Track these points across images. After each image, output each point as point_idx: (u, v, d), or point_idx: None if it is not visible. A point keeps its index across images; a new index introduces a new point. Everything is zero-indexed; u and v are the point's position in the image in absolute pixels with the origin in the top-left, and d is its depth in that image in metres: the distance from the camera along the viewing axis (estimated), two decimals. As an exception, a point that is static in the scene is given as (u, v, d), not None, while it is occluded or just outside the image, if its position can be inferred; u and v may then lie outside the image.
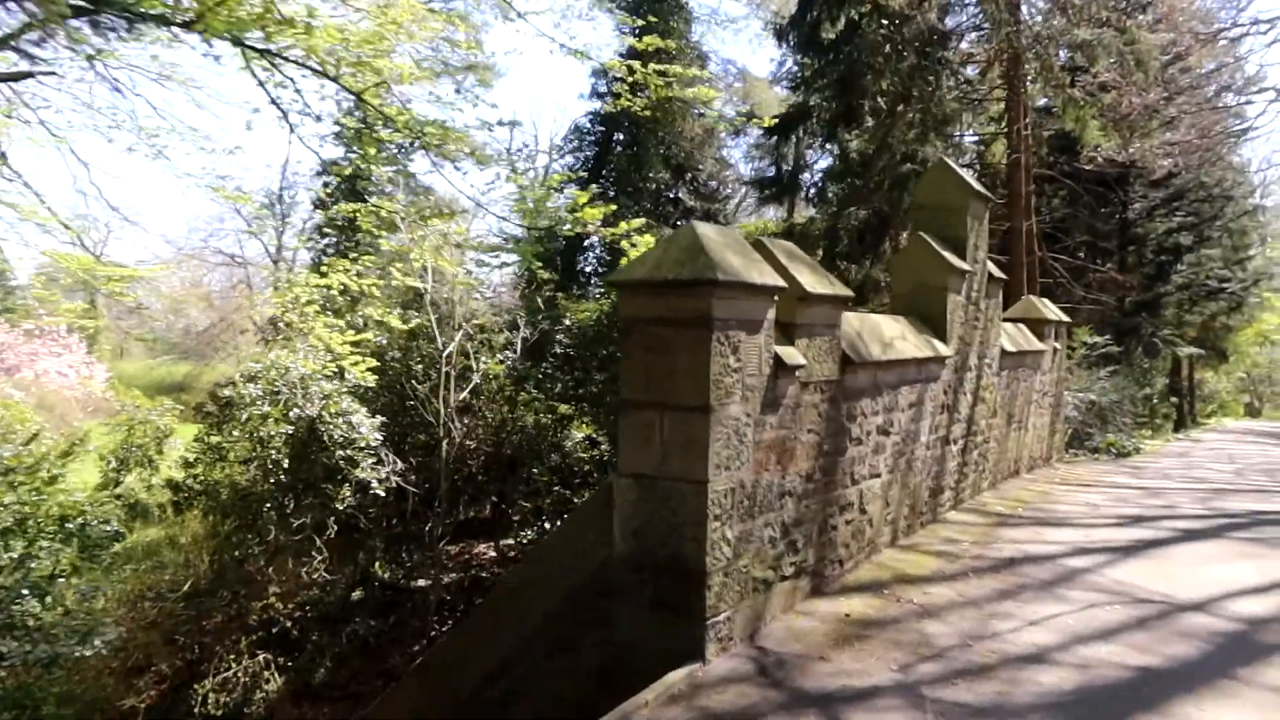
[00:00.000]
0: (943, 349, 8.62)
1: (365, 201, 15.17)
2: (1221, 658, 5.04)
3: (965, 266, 9.29)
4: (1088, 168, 24.79)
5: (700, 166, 32.34)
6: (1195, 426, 35.98)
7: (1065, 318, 14.65)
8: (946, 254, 8.93)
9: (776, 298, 5.42)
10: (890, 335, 7.54)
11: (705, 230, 5.09)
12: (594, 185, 28.94)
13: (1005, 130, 17.37)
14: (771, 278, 5.28)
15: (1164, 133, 24.66)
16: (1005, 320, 12.87)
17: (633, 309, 5.13)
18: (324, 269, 14.52)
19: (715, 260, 4.81)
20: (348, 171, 14.30)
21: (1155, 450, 20.79)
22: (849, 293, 6.44)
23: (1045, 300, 14.53)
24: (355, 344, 13.63)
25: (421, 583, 15.22)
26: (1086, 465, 15.01)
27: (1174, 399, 34.00)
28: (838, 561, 6.47)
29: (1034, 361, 12.75)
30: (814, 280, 5.94)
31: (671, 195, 31.87)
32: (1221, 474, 14.29)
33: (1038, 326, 13.24)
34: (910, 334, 8.07)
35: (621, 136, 32.18)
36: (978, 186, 9.79)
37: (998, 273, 10.66)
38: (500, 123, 14.43)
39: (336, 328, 13.26)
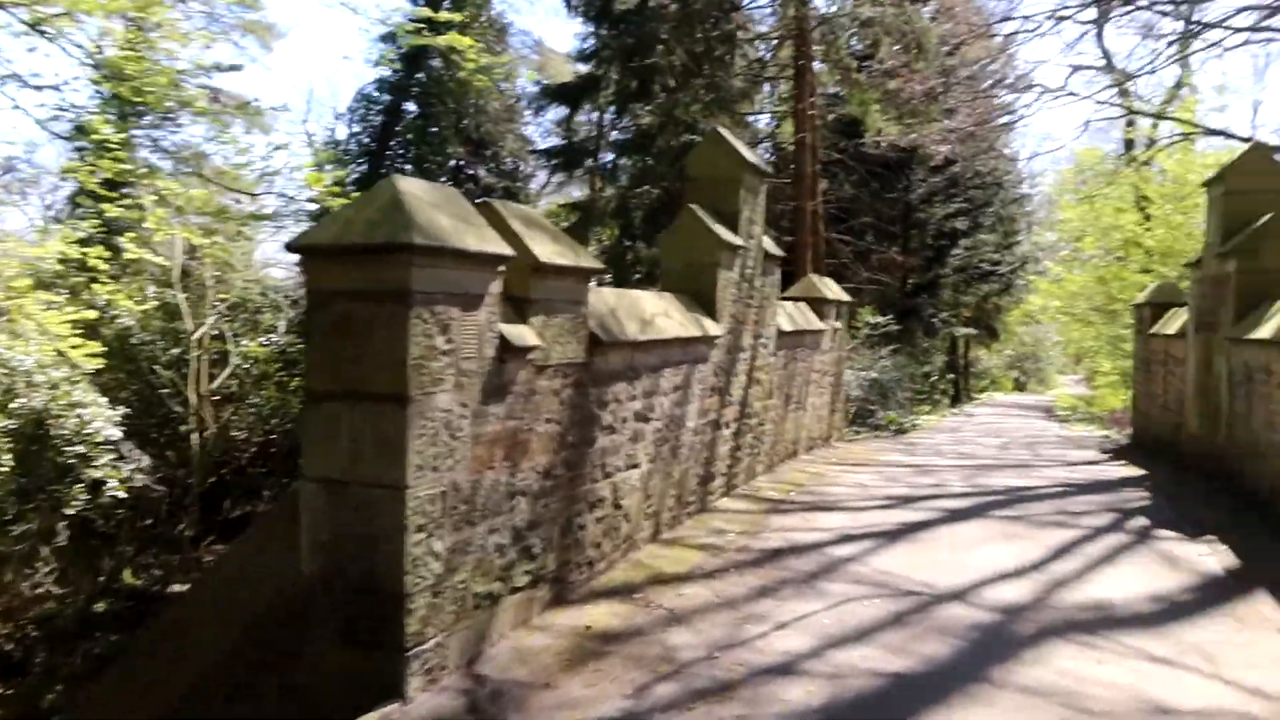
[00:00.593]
0: (712, 328, 8.16)
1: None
2: (977, 657, 4.73)
3: (738, 242, 8.88)
4: (873, 152, 25.54)
5: (501, 143, 31.17)
6: (970, 401, 38.25)
7: (846, 297, 14.75)
8: (717, 228, 8.47)
9: (503, 268, 4.66)
10: (651, 313, 6.96)
11: (409, 186, 4.26)
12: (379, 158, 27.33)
13: (792, 110, 17.40)
14: (495, 244, 4.51)
15: (943, 120, 25.79)
16: (785, 299, 12.71)
17: (319, 281, 4.25)
18: (40, 236, 12.57)
19: (416, 221, 3.99)
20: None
21: (932, 425, 21.65)
22: (597, 265, 5.78)
23: (827, 280, 14.57)
24: (90, 326, 11.93)
25: (177, 589, 13.67)
26: (865, 443, 15.24)
27: (951, 375, 36.02)
28: (587, 564, 5.83)
29: (813, 341, 12.67)
30: (553, 250, 5.23)
31: (471, 173, 30.59)
32: (988, 449, 14.82)
33: (818, 306, 13.19)
34: (676, 312, 7.54)
35: (413, 107, 30.57)
36: (752, 158, 9.41)
37: (775, 249, 10.37)
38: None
39: (54, 306, 11.46)
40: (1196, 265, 11.36)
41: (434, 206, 4.27)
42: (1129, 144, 37.27)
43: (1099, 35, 36.14)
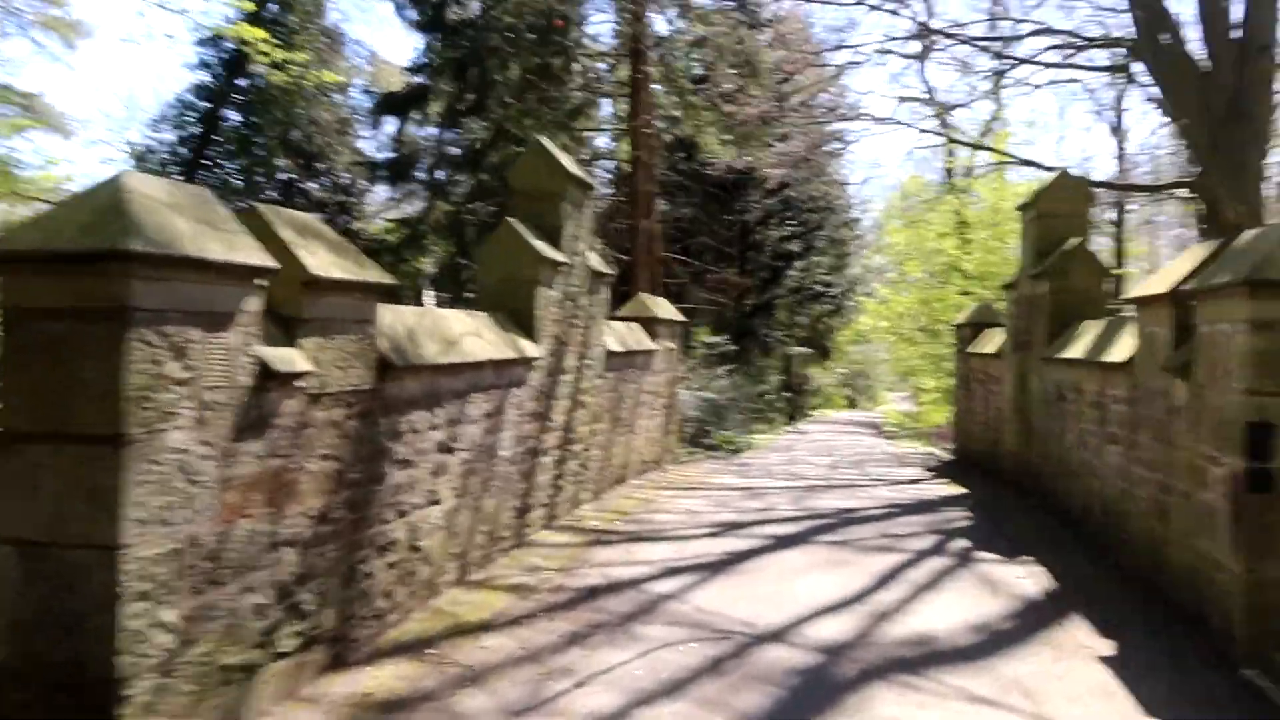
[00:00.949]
0: (531, 349, 7.65)
1: None
2: (795, 709, 4.38)
3: (560, 258, 8.41)
4: (711, 174, 25.80)
5: (335, 157, 29.71)
6: (805, 418, 39.21)
7: (680, 317, 14.54)
8: (537, 243, 7.98)
9: (264, 282, 4.01)
10: (459, 333, 6.39)
11: (138, 183, 3.56)
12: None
13: (629, 128, 17.17)
14: (248, 254, 3.85)
15: (776, 144, 26.32)
16: (616, 319, 12.35)
17: (19, 296, 3.48)
18: None
19: (141, 224, 3.31)
20: None
21: (767, 444, 21.81)
22: (387, 280, 5.16)
23: (659, 299, 14.32)
24: None
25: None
26: (699, 465, 15.05)
27: (787, 393, 36.79)
28: (375, 617, 5.17)
29: (645, 362, 12.35)
30: (330, 261, 4.59)
31: (302, 187, 28.98)
32: (818, 468, 14.90)
33: (650, 326, 12.90)
34: (489, 331, 6.99)
35: (238, 116, 28.80)
36: (576, 171, 8.99)
37: (602, 267, 9.97)
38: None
39: None
40: (1012, 287, 11.70)
41: (171, 209, 3.58)
42: (949, 172, 39.31)
43: (922, 69, 37.86)
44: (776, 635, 5.36)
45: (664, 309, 13.73)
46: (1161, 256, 48.67)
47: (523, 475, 7.63)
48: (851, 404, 58.38)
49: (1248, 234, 5.45)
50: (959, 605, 6.07)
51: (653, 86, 19.46)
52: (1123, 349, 7.10)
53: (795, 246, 32.52)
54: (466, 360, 6.26)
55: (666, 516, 9.19)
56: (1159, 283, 6.29)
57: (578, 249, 9.11)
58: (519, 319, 7.79)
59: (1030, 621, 5.78)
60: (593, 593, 6.21)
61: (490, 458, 6.85)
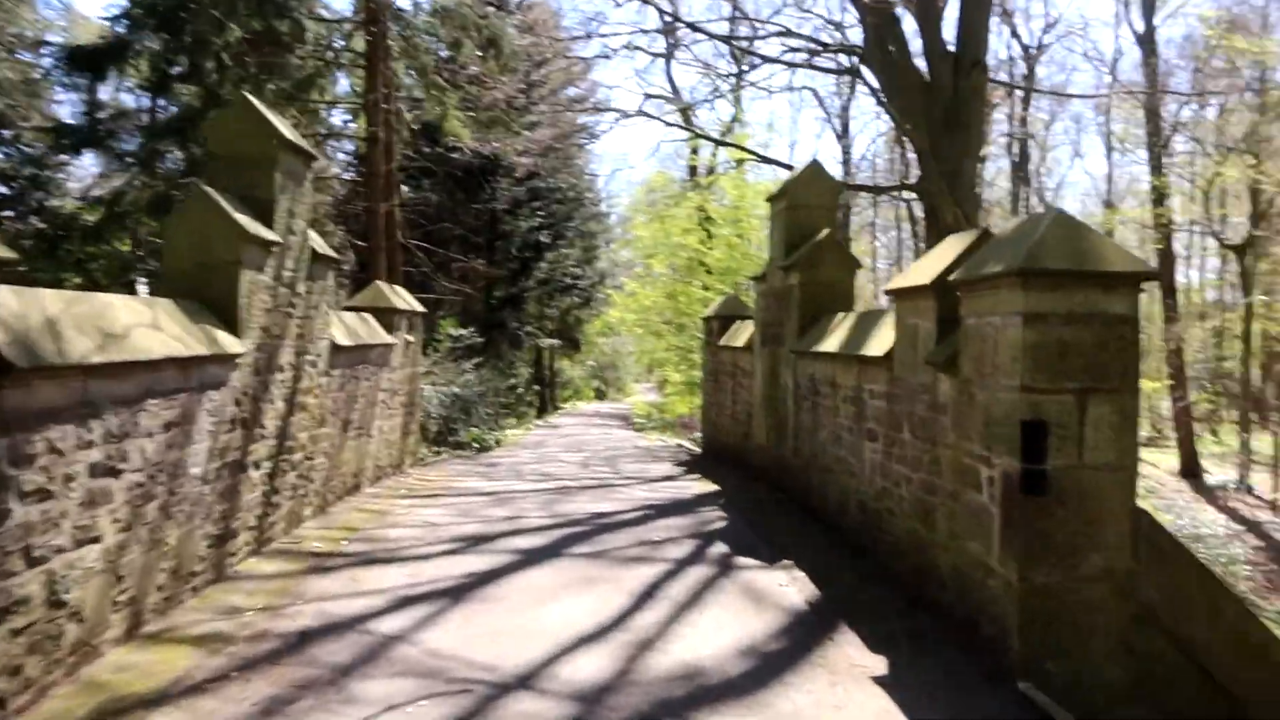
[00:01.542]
0: (232, 344, 6.38)
1: None
2: (546, 779, 3.60)
3: (272, 237, 7.15)
4: (459, 159, 24.64)
5: (24, 123, 25.56)
6: (556, 411, 38.84)
7: (420, 307, 13.41)
8: (240, 217, 6.69)
9: None
10: (126, 324, 5.07)
11: None
12: None
13: (365, 104, 15.68)
14: None
15: (524, 132, 25.57)
16: (349, 309, 11.11)
17: None
18: None
19: None
20: None
21: (517, 440, 21.04)
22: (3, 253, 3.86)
23: (398, 288, 13.12)
24: None
25: None
26: (445, 466, 14.01)
27: (537, 387, 36.21)
28: (-10, 704, 3.88)
29: (381, 356, 11.18)
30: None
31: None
32: (570, 466, 14.29)
33: (387, 317, 11.71)
34: (171, 323, 5.68)
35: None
36: (292, 136, 7.72)
37: (326, 249, 8.74)
38: None
39: None
40: (762, 279, 11.57)
41: None
42: (693, 170, 40.31)
43: (668, 68, 38.44)
44: (525, 681, 4.55)
45: (403, 298, 12.57)
46: (878, 257, 52.59)
47: (222, 495, 6.36)
48: (601, 396, 58.95)
49: (1012, 223, 5.28)
50: (725, 625, 5.54)
51: (393, 63, 18.02)
52: (881, 342, 6.90)
53: (544, 238, 31.89)
54: (137, 359, 4.97)
55: (402, 532, 8.15)
56: (920, 274, 6.07)
57: (295, 228, 7.86)
58: (218, 308, 6.49)
59: (800, 639, 5.34)
60: (304, 638, 5.13)
61: (175, 478, 5.56)
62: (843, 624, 5.57)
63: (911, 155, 39.91)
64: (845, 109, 44.79)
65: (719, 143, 28.70)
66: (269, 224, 7.23)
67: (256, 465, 7.07)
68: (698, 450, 17.85)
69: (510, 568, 6.88)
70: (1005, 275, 4.63)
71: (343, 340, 9.26)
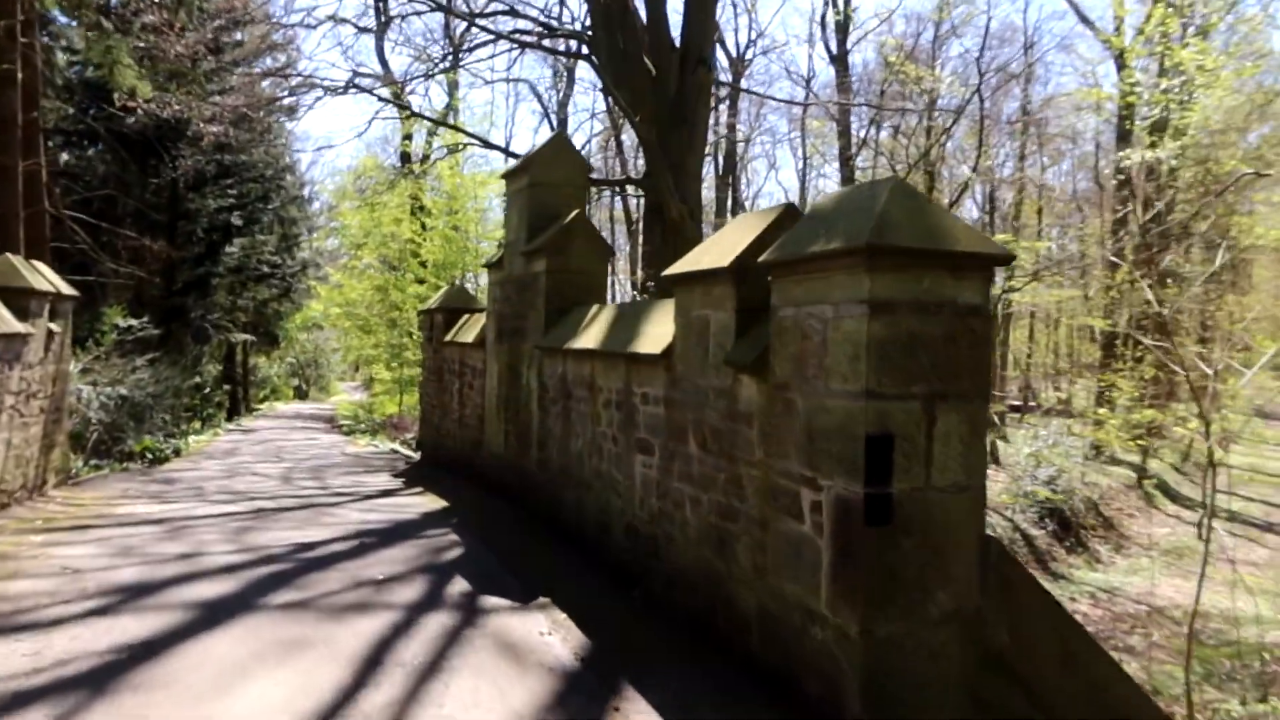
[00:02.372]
0: None
1: None
2: None
3: None
4: (130, 122, 21.21)
5: None
6: (250, 413, 35.13)
7: (70, 290, 10.81)
8: None
9: None
10: None
11: None
12: None
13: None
14: None
15: (211, 96, 22.51)
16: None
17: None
18: None
19: None
20: None
21: (202, 448, 18.26)
22: None
23: (37, 264, 10.47)
24: None
25: None
26: (105, 484, 11.46)
27: (228, 386, 32.46)
28: None
29: (10, 350, 8.71)
30: None
31: None
32: (268, 481, 12.22)
33: (20, 299, 9.20)
34: None
35: None
36: None
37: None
38: None
39: None
40: (497, 266, 10.28)
41: None
42: (406, 157, 38.02)
43: (379, 47, 36.00)
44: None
45: (46, 278, 10.01)
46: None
47: None
48: (303, 395, 54.78)
49: (832, 194, 4.40)
50: (482, 699, 4.25)
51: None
52: (656, 338, 5.88)
53: (237, 219, 28.42)
54: None
55: (27, 585, 6.05)
56: (714, 255, 5.08)
57: None
58: None
59: (579, 711, 4.17)
60: None
61: None
62: (625, 684, 4.46)
63: (629, 156, 40.25)
64: (563, 104, 44.46)
65: (438, 123, 26.99)
66: None
67: None
68: (416, 457, 16.22)
69: (182, 632, 5.13)
70: (843, 254, 3.72)
71: (-56, 327, 6.92)
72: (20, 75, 12.83)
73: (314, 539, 7.73)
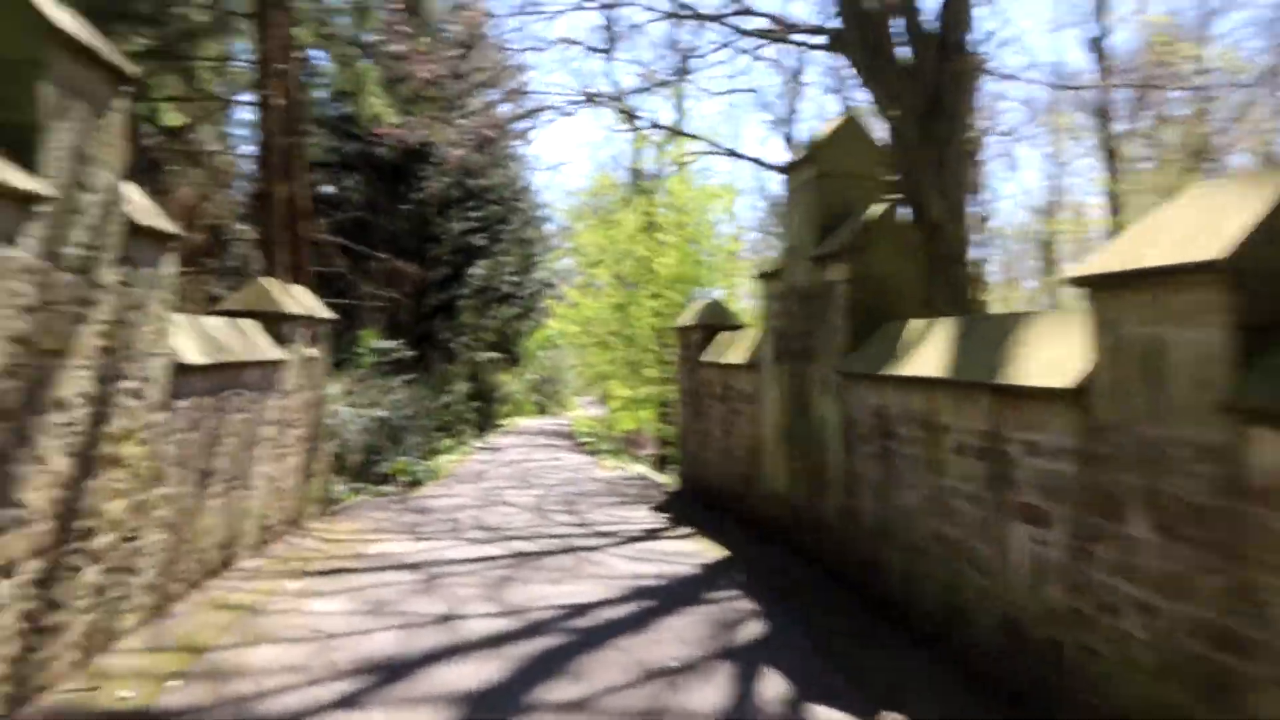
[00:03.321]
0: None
1: None
2: None
3: (29, 185, 4.26)
4: (384, 154, 21.85)
5: None
6: (496, 430, 35.81)
7: (327, 312, 10.46)
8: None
9: None
10: None
11: None
12: None
13: (257, 61, 12.59)
14: None
15: (453, 121, 22.77)
16: (221, 314, 8.19)
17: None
18: None
19: None
20: None
21: (454, 468, 18.07)
22: None
23: (296, 288, 10.15)
24: None
25: None
26: (362, 513, 11.04)
27: (476, 403, 33.10)
28: None
29: (265, 378, 8.23)
30: None
31: None
32: (520, 511, 11.41)
33: (276, 324, 8.77)
34: None
35: None
36: (80, 33, 4.81)
37: (160, 222, 5.82)
38: None
39: None
40: (774, 276, 8.89)
41: None
42: (636, 174, 37.50)
43: (608, 66, 35.69)
44: None
45: (300, 301, 9.62)
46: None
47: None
48: (542, 410, 55.98)
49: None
50: None
51: (295, 29, 14.92)
52: (1050, 365, 4.23)
53: (479, 241, 28.77)
54: None
55: (274, 653, 5.24)
56: (1170, 244, 3.39)
57: (93, 181, 4.96)
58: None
59: None
60: None
61: None
62: None
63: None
64: (792, 113, 42.68)
65: (674, 131, 25.93)
66: (28, 165, 4.33)
67: (9, 572, 4.16)
68: (670, 483, 15.12)
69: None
70: None
71: (193, 357, 6.33)
72: (279, 101, 12.87)
73: (582, 599, 6.59)
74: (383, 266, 21.20)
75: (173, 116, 14.49)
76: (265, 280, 9.15)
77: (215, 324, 7.35)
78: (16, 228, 4.17)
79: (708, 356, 11.44)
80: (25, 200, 4.21)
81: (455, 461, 19.93)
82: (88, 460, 4.90)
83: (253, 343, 7.96)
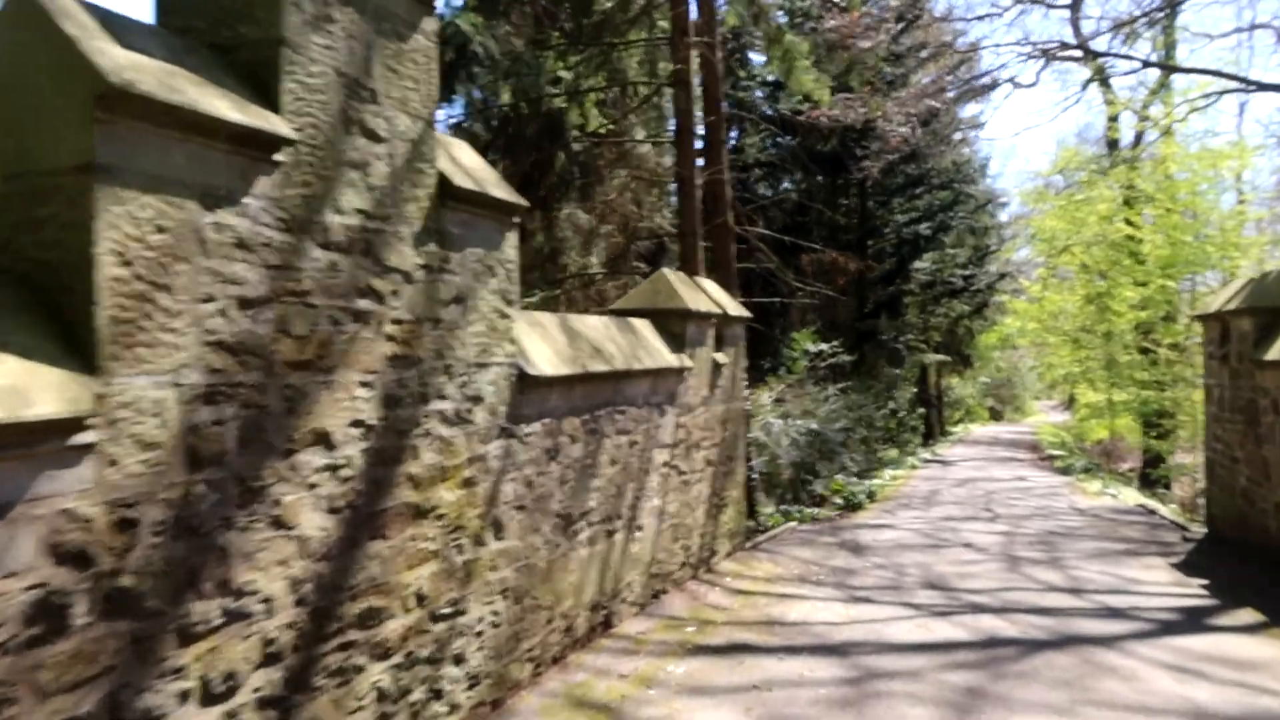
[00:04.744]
0: (78, 397, 2.11)
1: None
2: None
3: (257, 124, 2.89)
4: (817, 145, 20.20)
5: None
6: (944, 438, 32.62)
7: (738, 309, 8.76)
8: (115, 50, 2.45)
9: None
10: None
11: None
12: None
13: (670, 37, 11.40)
14: None
15: (895, 92, 20.35)
16: (610, 313, 6.79)
17: None
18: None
19: None
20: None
21: (896, 490, 15.73)
22: None
23: (704, 281, 8.58)
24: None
25: None
26: (780, 550, 9.21)
27: (922, 410, 30.13)
28: None
29: (659, 391, 6.67)
30: None
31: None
32: (983, 559, 8.82)
33: (674, 323, 7.21)
34: None
35: None
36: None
37: (487, 185, 4.37)
38: None
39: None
40: None
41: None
42: (1112, 144, 31.59)
43: (1075, 22, 30.77)
44: None
45: (706, 296, 8.00)
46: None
47: None
48: (997, 416, 51.11)
49: None
50: None
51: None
52: None
53: (925, 230, 25.81)
54: None
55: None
56: None
57: (368, 120, 3.57)
58: (51, 303, 2.31)
59: None
60: None
61: None
62: None
63: None
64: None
65: (1173, 69, 20.88)
66: (268, 98, 2.97)
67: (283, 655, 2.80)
68: (1180, 519, 11.52)
69: None
70: None
71: (546, 367, 4.83)
72: (696, 79, 11.54)
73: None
74: (820, 259, 19.38)
75: (596, 116, 13.92)
76: (666, 271, 7.65)
77: (591, 324, 5.89)
78: (230, 183, 2.81)
79: (1272, 354, 7.95)
80: (244, 141, 2.84)
81: (899, 479, 17.54)
82: (370, 517, 3.50)
83: (641, 347, 6.43)
